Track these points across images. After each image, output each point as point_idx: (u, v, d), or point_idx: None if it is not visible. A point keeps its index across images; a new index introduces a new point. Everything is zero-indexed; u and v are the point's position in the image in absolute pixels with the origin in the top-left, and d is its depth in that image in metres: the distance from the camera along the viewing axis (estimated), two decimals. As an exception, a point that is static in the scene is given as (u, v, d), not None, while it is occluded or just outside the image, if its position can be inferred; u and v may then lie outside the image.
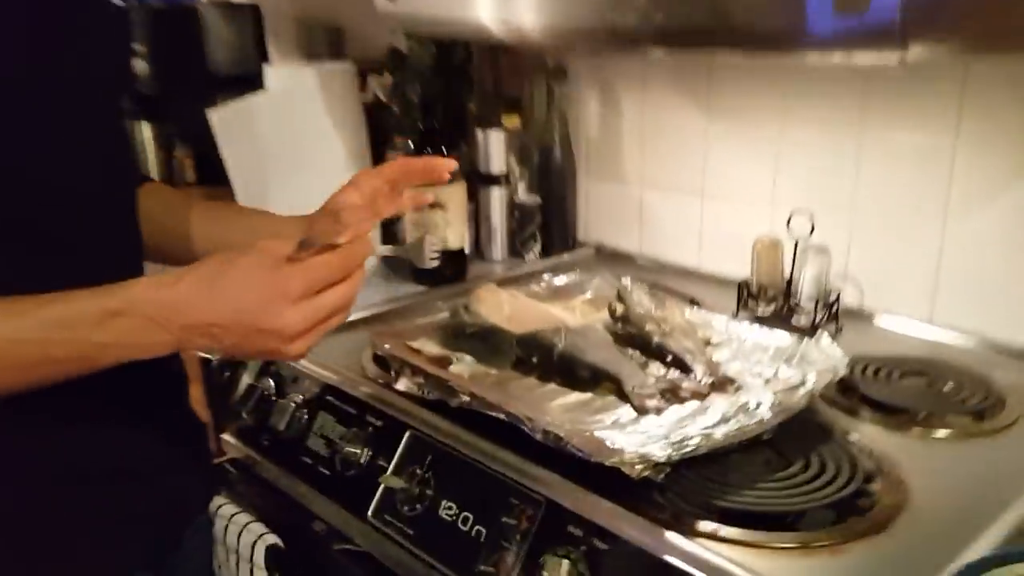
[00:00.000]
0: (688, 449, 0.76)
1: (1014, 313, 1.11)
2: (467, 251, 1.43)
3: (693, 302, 1.23)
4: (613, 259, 1.54)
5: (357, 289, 0.67)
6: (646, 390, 0.87)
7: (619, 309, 1.05)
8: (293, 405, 1.06)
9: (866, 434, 0.89)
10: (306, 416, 1.05)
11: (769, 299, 1.21)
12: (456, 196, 1.38)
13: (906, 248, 1.19)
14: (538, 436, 0.80)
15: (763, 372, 0.93)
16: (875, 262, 1.23)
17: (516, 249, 1.54)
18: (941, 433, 0.90)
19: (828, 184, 1.25)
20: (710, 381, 0.90)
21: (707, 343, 0.99)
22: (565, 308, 1.13)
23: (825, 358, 0.94)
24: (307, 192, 1.54)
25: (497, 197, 1.51)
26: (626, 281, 1.19)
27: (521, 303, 1.04)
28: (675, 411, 0.85)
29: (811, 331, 1.15)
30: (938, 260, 1.17)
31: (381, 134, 1.58)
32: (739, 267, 1.34)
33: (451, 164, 0.79)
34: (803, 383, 0.88)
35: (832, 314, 1.18)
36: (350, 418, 1.00)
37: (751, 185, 1.35)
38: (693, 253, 1.46)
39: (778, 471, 0.80)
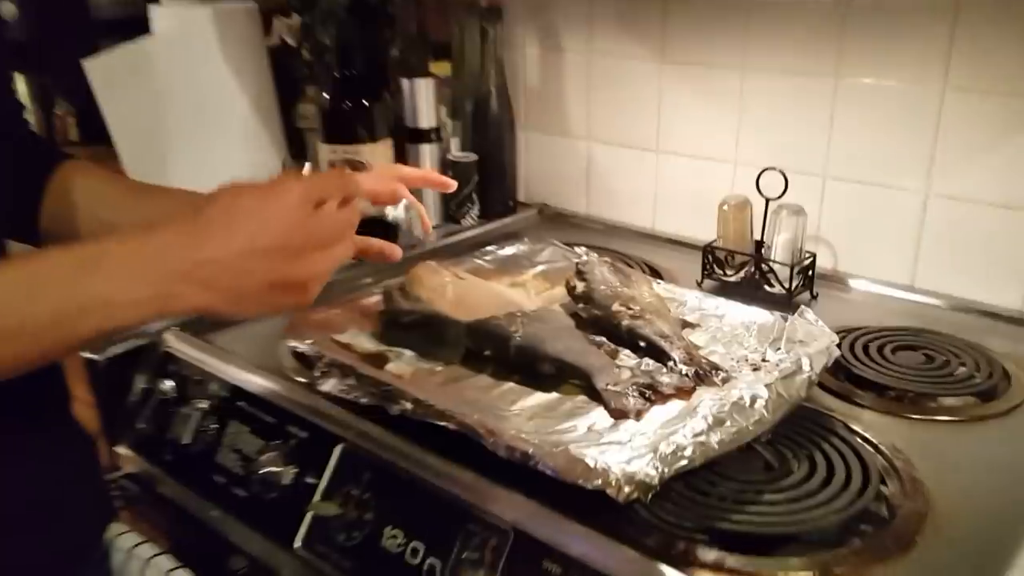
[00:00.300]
0: (682, 463, 0.64)
1: (1002, 276, 1.03)
2: (396, 218, 1.28)
3: (655, 273, 1.12)
4: (558, 221, 1.41)
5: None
6: (620, 387, 0.75)
7: (579, 287, 0.92)
8: (199, 412, 0.91)
9: (866, 423, 0.80)
10: (215, 425, 0.89)
11: (738, 265, 1.10)
12: (380, 155, 1.22)
13: (885, 207, 1.09)
14: (501, 453, 0.67)
15: (749, 357, 0.82)
16: (850, 223, 1.13)
17: (451, 213, 1.40)
18: (949, 417, 0.81)
19: (798, 138, 1.14)
20: (693, 372, 0.78)
21: (684, 325, 0.88)
22: (515, 284, 1.00)
23: (814, 337, 0.83)
24: (206, 154, 1.36)
25: (427, 155, 1.36)
26: (583, 252, 1.07)
27: (467, 284, 0.90)
28: (658, 413, 0.73)
29: (787, 298, 1.05)
30: (920, 220, 1.07)
31: (290, 84, 1.40)
32: (699, 230, 1.23)
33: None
34: (799, 369, 0.77)
35: (807, 280, 1.08)
36: (268, 429, 0.85)
37: (711, 139, 1.23)
38: (647, 214, 1.34)
39: (781, 478, 0.70)
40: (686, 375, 0.78)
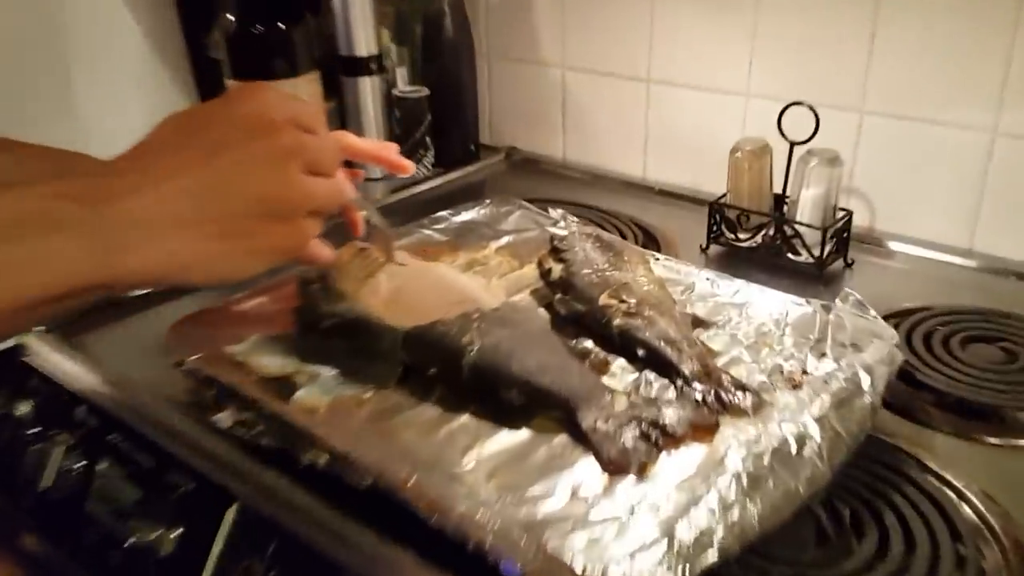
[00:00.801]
0: (710, 560, 0.45)
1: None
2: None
3: (648, 236, 0.92)
4: (529, 169, 1.20)
5: None
6: (614, 425, 0.55)
7: (555, 270, 0.71)
8: (61, 447, 0.70)
9: (943, 455, 0.61)
10: (81, 465, 0.69)
11: (753, 227, 0.90)
12: (304, 94, 0.99)
13: (938, 151, 0.89)
14: (449, 533, 0.48)
15: (784, 367, 0.63)
16: (892, 171, 0.93)
17: (399, 162, 1.17)
18: (1049, 444, 0.62)
19: (828, 62, 0.93)
20: (712, 393, 0.58)
21: (695, 322, 0.67)
22: (473, 263, 0.79)
23: (868, 336, 0.64)
24: (83, 98, 1.12)
25: (368, 90, 1.13)
26: (559, 216, 0.85)
27: (408, 272, 0.69)
28: (669, 465, 0.53)
29: (816, 269, 0.85)
30: (984, 166, 0.87)
31: (203, 3, 1.15)
32: (702, 180, 1.03)
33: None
34: (857, 390, 0.58)
35: (841, 244, 0.88)
36: (146, 475, 0.65)
37: (717, 65, 1.01)
38: (636, 161, 1.13)
39: (842, 557, 0.51)
40: (703, 401, 0.58)
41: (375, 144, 0.67)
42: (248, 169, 0.50)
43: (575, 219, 0.88)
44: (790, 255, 0.87)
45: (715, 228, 0.92)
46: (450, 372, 0.60)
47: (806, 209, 0.86)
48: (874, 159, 0.93)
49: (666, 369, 0.62)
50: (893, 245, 0.93)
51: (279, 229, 0.51)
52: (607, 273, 0.70)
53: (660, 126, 1.09)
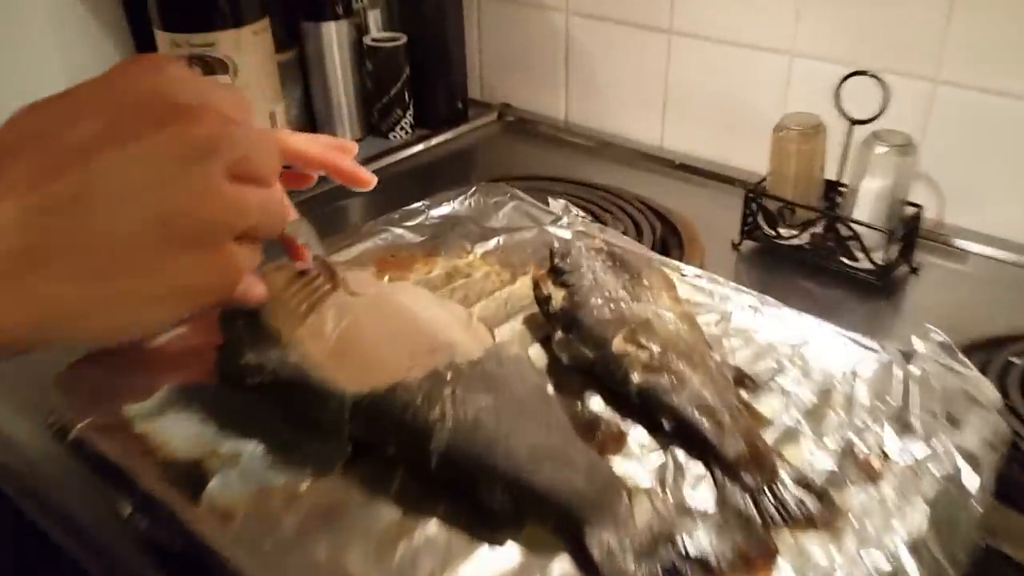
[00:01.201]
0: None
1: None
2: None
3: (664, 223, 0.76)
4: (525, 133, 1.04)
5: None
6: (633, 553, 0.41)
7: (556, 298, 0.56)
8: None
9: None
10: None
11: (800, 223, 0.74)
12: (255, 46, 0.82)
13: (1032, 130, 0.73)
14: None
15: (859, 446, 0.48)
16: (969, 153, 0.77)
17: (373, 124, 1.01)
18: None
19: (894, 18, 0.76)
20: (767, 500, 0.44)
21: (742, 380, 0.52)
22: (454, 274, 0.64)
23: (962, 398, 0.50)
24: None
25: (334, 38, 0.96)
26: (561, 214, 0.70)
27: (363, 303, 0.53)
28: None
29: (879, 277, 0.70)
30: (1090, 151, 0.71)
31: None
32: (733, 153, 0.86)
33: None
34: (959, 489, 0.44)
35: (907, 247, 0.73)
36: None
37: (756, 18, 0.84)
38: (653, 125, 0.97)
39: None
40: (754, 505, 0.44)
41: (323, 144, 0.52)
42: (142, 173, 0.35)
43: (580, 213, 0.72)
44: (844, 259, 0.72)
45: (751, 220, 0.77)
46: (414, 457, 0.45)
47: (866, 204, 0.71)
48: (947, 140, 0.77)
49: (701, 447, 0.47)
50: (965, 244, 0.78)
51: (195, 260, 0.37)
52: (622, 305, 0.55)
53: (683, 86, 0.93)
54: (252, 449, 0.48)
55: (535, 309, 0.60)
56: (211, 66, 0.80)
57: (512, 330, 0.59)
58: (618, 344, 0.52)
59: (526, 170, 0.92)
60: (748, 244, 0.78)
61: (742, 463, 0.46)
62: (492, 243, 0.68)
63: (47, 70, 0.89)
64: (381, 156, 0.96)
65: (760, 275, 0.76)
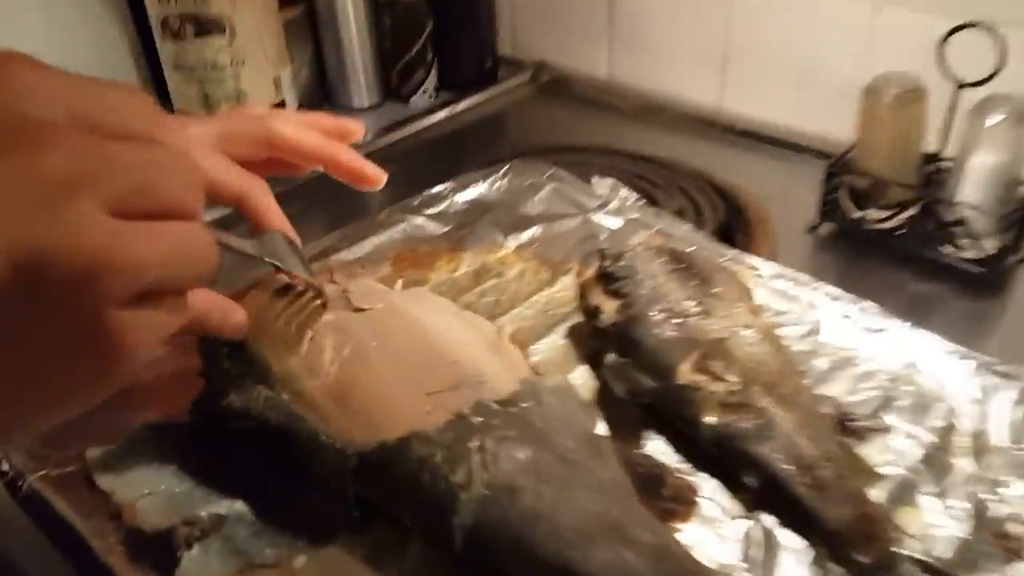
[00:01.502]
0: None
1: None
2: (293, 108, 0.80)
3: (725, 200, 0.66)
4: (564, 95, 0.93)
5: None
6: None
7: (607, 310, 0.46)
8: None
9: None
10: None
11: (893, 204, 0.63)
12: (254, 3, 0.72)
13: None
14: None
15: (992, 503, 0.38)
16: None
17: (392, 87, 0.91)
18: None
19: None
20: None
21: (843, 419, 0.42)
22: (484, 273, 0.55)
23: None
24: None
25: (345, -9, 0.86)
26: (609, 195, 0.60)
27: (368, 321, 0.43)
28: None
29: (990, 270, 0.59)
30: None
31: None
32: (804, 120, 0.76)
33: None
34: None
35: (1020, 235, 0.61)
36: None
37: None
38: (711, 85, 0.85)
39: None
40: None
41: (318, 131, 0.42)
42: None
43: (631, 195, 0.62)
44: (944, 248, 0.61)
45: (832, 199, 0.66)
46: (433, 530, 0.36)
47: (974, 183, 0.59)
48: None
49: (797, 513, 0.38)
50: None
51: (59, 342, 0.25)
52: (690, 321, 0.45)
53: (746, 39, 0.81)
54: (235, 512, 0.39)
55: (578, 316, 0.50)
56: (205, 27, 0.70)
57: (552, 346, 0.49)
58: (686, 373, 0.42)
59: (564, 139, 0.81)
60: (827, 227, 0.67)
61: (850, 536, 0.37)
62: (528, 234, 0.58)
63: (25, 25, 0.80)
64: (401, 125, 0.86)
65: (840, 265, 0.65)
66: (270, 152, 0.42)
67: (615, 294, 0.47)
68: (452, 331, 0.44)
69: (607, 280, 0.47)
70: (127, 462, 0.41)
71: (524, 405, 0.40)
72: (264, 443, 0.40)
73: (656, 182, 0.72)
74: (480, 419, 0.38)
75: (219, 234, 0.34)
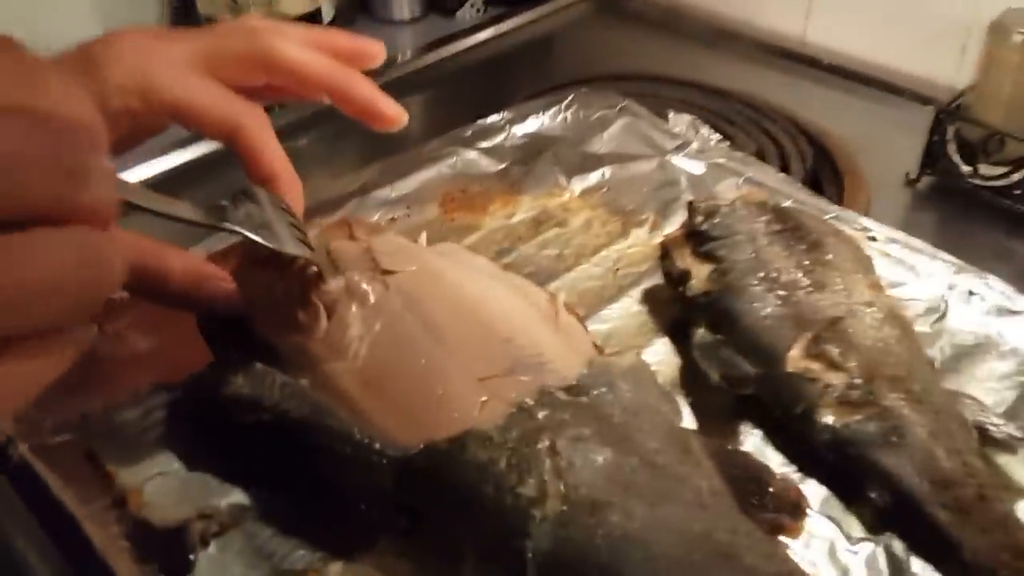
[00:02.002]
0: None
1: None
2: (328, 18, 0.72)
3: (813, 145, 0.58)
4: (625, 14, 0.84)
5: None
6: None
7: (699, 275, 0.39)
8: None
9: None
10: None
11: (1010, 159, 0.55)
12: None
13: None
14: None
15: None
16: None
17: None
18: None
19: None
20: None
21: (984, 423, 0.35)
22: (543, 220, 0.48)
23: None
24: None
25: None
26: (688, 134, 0.53)
27: (401, 285, 0.36)
28: None
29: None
30: None
31: None
32: (904, 57, 0.67)
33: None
34: None
35: None
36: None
37: None
38: (795, 10, 0.76)
39: None
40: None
41: (331, 51, 0.35)
42: None
43: (714, 135, 0.54)
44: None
45: (938, 149, 0.58)
46: (498, 553, 0.30)
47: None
48: None
49: (932, 539, 0.31)
50: None
51: None
52: (800, 294, 0.38)
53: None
54: (259, 504, 0.33)
55: (656, 278, 0.43)
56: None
57: (624, 313, 0.42)
58: (796, 359, 0.36)
59: (626, 66, 0.73)
60: (927, 181, 0.59)
61: (996, 569, 0.30)
62: (595, 176, 0.51)
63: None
64: (444, 42, 0.78)
65: (940, 225, 0.58)
66: (267, 77, 0.35)
67: (708, 257, 0.40)
68: (500, 299, 0.37)
69: (699, 240, 0.40)
70: (133, 432, 0.35)
71: (595, 393, 0.33)
72: (281, 440, 0.33)
73: (734, 120, 0.64)
74: (546, 412, 0.32)
75: (164, 202, 0.26)
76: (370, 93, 0.35)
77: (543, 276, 0.44)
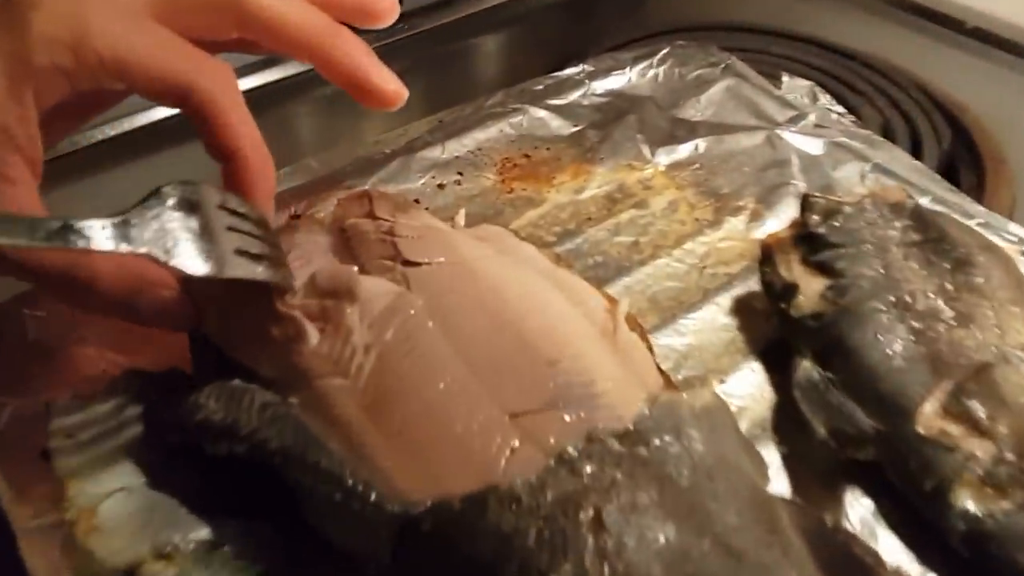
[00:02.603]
0: None
1: None
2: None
3: (949, 121, 0.49)
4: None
5: None
6: None
7: (808, 293, 0.31)
8: None
9: None
10: None
11: None
12: None
13: None
14: None
15: None
16: None
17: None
18: None
19: None
20: None
21: None
22: (620, 198, 0.40)
23: None
24: None
25: None
26: (803, 102, 0.44)
27: (426, 290, 0.29)
28: None
29: None
30: None
31: None
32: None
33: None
34: None
35: None
36: None
37: None
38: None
39: None
40: None
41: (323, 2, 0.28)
42: None
43: (837, 106, 0.45)
44: None
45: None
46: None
47: None
48: None
49: None
50: None
51: None
52: (940, 329, 0.29)
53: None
54: (228, 539, 0.27)
55: (751, 284, 0.35)
56: None
57: (707, 326, 0.34)
58: (930, 417, 0.27)
59: (734, 15, 0.63)
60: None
61: None
62: (686, 149, 0.42)
63: None
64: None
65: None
66: (240, 31, 0.27)
67: (823, 268, 0.31)
68: (547, 306, 0.29)
69: (813, 244, 0.32)
70: (100, 431, 0.29)
71: (658, 443, 0.26)
72: (259, 472, 0.26)
73: (859, 88, 0.54)
74: (593, 467, 0.24)
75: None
76: (359, 61, 0.28)
77: (611, 269, 0.37)
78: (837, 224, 0.32)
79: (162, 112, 0.47)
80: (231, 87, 0.26)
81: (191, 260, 0.24)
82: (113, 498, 0.27)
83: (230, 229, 0.25)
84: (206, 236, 0.24)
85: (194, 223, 0.24)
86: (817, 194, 0.34)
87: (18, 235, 0.21)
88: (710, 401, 0.28)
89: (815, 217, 0.32)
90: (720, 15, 0.63)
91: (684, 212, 0.40)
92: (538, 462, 0.24)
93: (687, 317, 0.35)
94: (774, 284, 0.32)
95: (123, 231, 0.23)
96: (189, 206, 0.24)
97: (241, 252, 0.25)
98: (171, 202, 0.24)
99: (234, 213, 0.26)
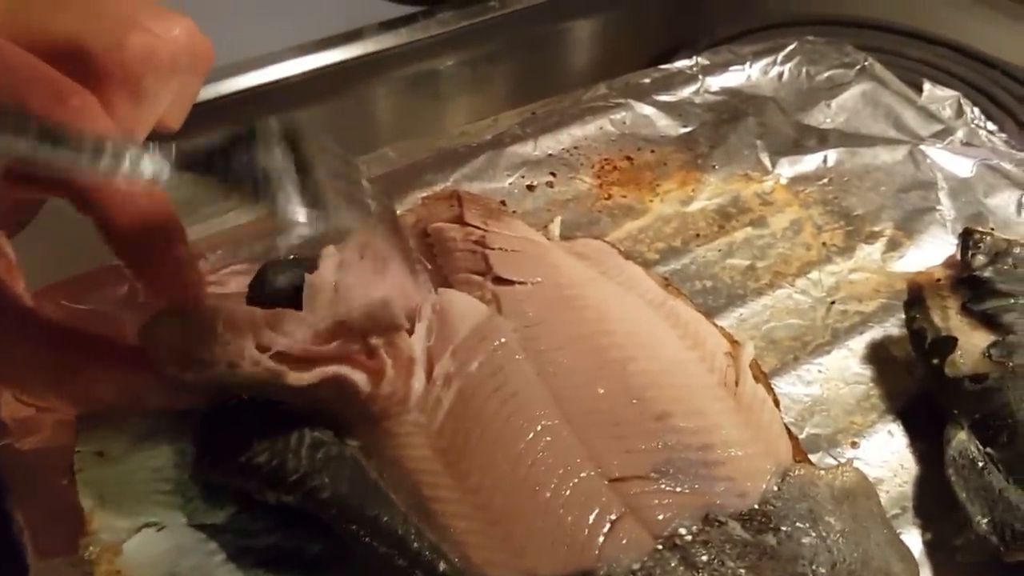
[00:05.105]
0: None
1: None
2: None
3: None
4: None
5: None
6: None
7: (968, 348, 0.27)
8: None
9: None
10: None
11: None
12: None
13: None
14: None
15: None
16: None
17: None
18: None
19: None
20: None
21: None
22: (731, 213, 0.35)
23: None
24: None
25: None
26: (947, 114, 0.39)
27: (520, 307, 0.25)
28: None
29: None
30: None
31: None
32: None
33: None
34: None
35: None
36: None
37: None
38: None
39: None
40: None
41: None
42: None
43: (985, 120, 0.40)
44: None
45: None
46: None
47: None
48: None
49: None
50: None
51: None
52: None
53: None
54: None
55: (891, 326, 0.31)
56: None
57: (837, 373, 0.30)
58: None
59: (873, 10, 0.58)
60: None
61: None
62: (814, 161, 0.38)
63: None
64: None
65: None
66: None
67: (987, 321, 0.27)
68: (661, 347, 0.25)
69: (976, 291, 0.27)
70: (131, 456, 0.26)
71: (787, 530, 0.22)
72: (310, 520, 0.23)
73: (999, 99, 0.48)
74: (710, 556, 0.20)
75: None
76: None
77: (721, 297, 0.33)
78: (1006, 268, 0.27)
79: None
80: None
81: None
82: (141, 535, 0.24)
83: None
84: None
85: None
86: (982, 228, 0.29)
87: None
88: (853, 480, 0.24)
89: (980, 257, 0.28)
90: (850, 9, 0.57)
91: (809, 235, 0.35)
92: (643, 544, 0.21)
93: (812, 362, 0.30)
94: (924, 333, 0.28)
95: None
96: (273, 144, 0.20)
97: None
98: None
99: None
